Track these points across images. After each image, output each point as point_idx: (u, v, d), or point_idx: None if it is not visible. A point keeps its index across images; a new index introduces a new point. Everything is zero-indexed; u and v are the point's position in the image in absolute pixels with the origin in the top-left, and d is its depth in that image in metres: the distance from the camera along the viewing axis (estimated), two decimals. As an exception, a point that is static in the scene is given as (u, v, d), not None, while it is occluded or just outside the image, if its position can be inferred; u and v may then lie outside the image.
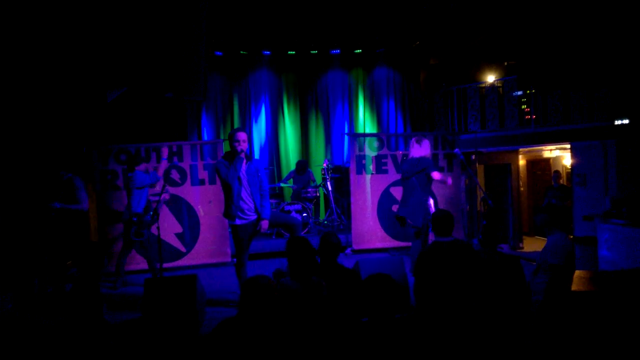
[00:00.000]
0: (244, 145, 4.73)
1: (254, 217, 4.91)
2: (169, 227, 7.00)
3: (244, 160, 4.79)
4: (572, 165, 8.47)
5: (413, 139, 6.11)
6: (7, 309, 5.38)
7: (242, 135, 4.75)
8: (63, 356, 3.02)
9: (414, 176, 5.82)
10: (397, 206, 7.73)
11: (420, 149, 5.92)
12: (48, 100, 5.91)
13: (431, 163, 5.97)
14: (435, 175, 5.85)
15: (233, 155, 4.76)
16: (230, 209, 4.81)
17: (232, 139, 4.76)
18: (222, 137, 9.90)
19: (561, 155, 10.18)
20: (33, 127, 6.00)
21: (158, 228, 5.84)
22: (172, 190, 7.06)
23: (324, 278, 3.33)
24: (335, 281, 3.34)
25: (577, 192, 8.17)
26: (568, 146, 8.81)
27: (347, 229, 8.18)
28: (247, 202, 4.84)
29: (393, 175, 7.67)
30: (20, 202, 5.90)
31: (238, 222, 4.85)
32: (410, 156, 6.00)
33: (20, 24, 4.69)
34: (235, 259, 7.30)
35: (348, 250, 7.62)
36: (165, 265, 6.20)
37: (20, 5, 4.48)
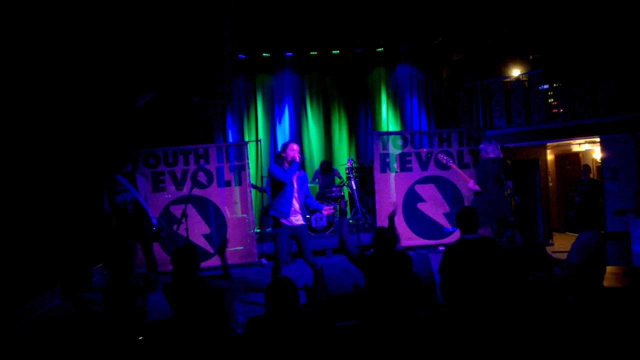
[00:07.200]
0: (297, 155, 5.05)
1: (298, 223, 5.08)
2: (196, 229, 7.12)
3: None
4: (602, 159, 8.27)
5: (485, 141, 6.27)
6: (54, 305, 5.57)
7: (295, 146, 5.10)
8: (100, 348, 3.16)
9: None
10: (422, 204, 7.70)
11: (497, 148, 6.10)
12: (81, 105, 6.11)
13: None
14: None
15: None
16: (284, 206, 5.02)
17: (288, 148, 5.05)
18: (246, 139, 10.03)
19: (591, 149, 9.95)
20: (67, 132, 6.21)
21: (187, 229, 5.96)
22: (199, 192, 7.18)
23: (379, 271, 3.41)
24: (392, 274, 3.43)
25: (608, 187, 7.99)
26: (598, 139, 8.62)
27: (373, 227, 8.17)
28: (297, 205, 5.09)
29: (418, 173, 7.62)
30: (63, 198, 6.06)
31: (284, 222, 5.01)
32: (489, 156, 6.03)
33: (55, 32, 4.88)
34: (263, 259, 7.43)
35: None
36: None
37: (55, 15, 4.66)
